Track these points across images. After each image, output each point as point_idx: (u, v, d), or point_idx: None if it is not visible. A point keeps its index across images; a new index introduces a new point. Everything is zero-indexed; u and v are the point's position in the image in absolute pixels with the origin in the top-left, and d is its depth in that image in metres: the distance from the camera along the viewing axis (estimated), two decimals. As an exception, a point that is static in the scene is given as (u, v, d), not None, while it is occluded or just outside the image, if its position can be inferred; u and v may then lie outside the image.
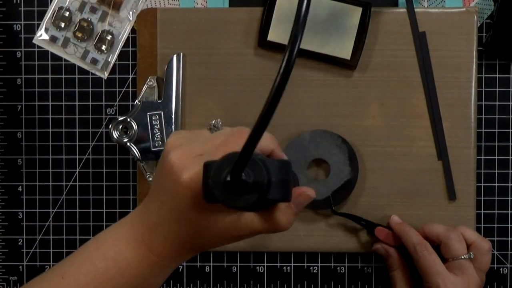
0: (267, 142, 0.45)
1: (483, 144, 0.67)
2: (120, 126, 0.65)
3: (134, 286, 0.46)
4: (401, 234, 0.62)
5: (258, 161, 0.39)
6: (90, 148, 0.69)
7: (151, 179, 0.66)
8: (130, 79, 0.68)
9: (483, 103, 0.67)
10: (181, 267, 0.69)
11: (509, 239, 0.68)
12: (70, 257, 0.48)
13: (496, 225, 0.67)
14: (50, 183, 0.69)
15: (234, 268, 0.69)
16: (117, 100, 0.69)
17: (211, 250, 0.51)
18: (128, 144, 0.65)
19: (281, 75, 0.35)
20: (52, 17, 0.68)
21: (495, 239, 0.67)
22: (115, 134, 0.65)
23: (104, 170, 0.69)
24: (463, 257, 0.59)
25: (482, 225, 0.67)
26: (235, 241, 0.45)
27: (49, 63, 0.69)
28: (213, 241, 0.45)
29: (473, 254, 0.59)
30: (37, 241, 0.69)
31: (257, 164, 0.39)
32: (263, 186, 0.38)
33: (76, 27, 0.68)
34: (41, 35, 0.68)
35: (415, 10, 0.65)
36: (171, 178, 0.43)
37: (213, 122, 0.48)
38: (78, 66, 0.69)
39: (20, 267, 0.70)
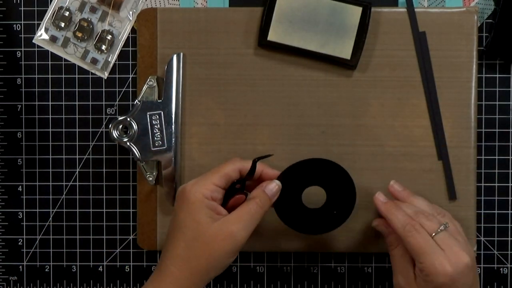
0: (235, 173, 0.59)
1: (483, 144, 0.67)
2: (120, 126, 0.65)
3: None
4: (387, 215, 0.59)
5: None
6: (90, 148, 0.69)
7: (151, 178, 0.66)
8: (130, 79, 0.69)
9: (483, 103, 0.67)
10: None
11: (509, 239, 0.68)
12: None
13: (496, 225, 0.67)
14: (50, 183, 0.69)
15: (234, 268, 0.69)
16: (117, 100, 0.69)
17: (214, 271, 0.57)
18: (128, 144, 0.65)
19: None
20: (52, 17, 0.68)
21: (495, 239, 0.67)
22: (115, 134, 0.65)
23: (104, 170, 0.69)
24: (439, 230, 0.56)
25: (482, 225, 0.67)
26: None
27: (49, 63, 0.69)
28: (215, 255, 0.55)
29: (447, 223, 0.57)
30: (37, 241, 0.69)
31: None
32: None
33: (76, 27, 0.68)
34: (41, 35, 0.68)
35: (415, 10, 0.65)
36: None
37: None
38: (78, 66, 0.69)
39: (20, 267, 0.70)
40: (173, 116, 0.65)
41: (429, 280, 0.55)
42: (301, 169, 0.61)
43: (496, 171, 0.67)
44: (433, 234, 0.56)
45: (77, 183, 0.69)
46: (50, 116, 0.69)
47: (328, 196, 0.62)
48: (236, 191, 0.59)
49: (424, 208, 0.59)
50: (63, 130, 0.69)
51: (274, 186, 0.59)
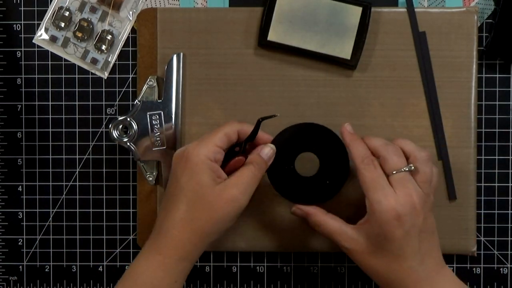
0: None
1: (483, 144, 0.67)
2: (120, 126, 0.65)
3: None
4: (350, 145, 0.58)
5: None
6: (90, 148, 0.69)
7: (151, 178, 0.66)
8: (130, 79, 0.69)
9: (483, 103, 0.67)
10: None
11: (509, 239, 0.68)
12: None
13: (496, 225, 0.67)
14: (50, 183, 0.69)
15: (234, 268, 0.69)
16: (117, 100, 0.69)
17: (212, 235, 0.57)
18: (128, 144, 0.65)
19: None
20: (52, 17, 0.68)
21: (495, 239, 0.67)
22: (115, 134, 0.65)
23: (104, 170, 0.69)
24: (402, 170, 0.56)
25: (482, 225, 0.67)
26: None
27: (49, 63, 0.69)
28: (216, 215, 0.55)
29: (413, 166, 0.56)
30: (37, 241, 0.69)
31: None
32: None
33: (76, 27, 0.68)
34: (41, 35, 0.68)
35: (415, 10, 0.65)
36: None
37: None
38: (78, 66, 0.69)
39: (20, 267, 0.70)
40: (173, 116, 0.65)
41: (375, 219, 0.55)
42: (294, 133, 0.63)
43: (496, 171, 0.67)
44: (394, 172, 0.56)
45: (77, 183, 0.69)
46: (50, 116, 0.69)
47: (322, 164, 0.63)
48: (235, 154, 0.59)
49: (408, 148, 0.58)
50: (63, 130, 0.69)
51: (269, 150, 0.60)
